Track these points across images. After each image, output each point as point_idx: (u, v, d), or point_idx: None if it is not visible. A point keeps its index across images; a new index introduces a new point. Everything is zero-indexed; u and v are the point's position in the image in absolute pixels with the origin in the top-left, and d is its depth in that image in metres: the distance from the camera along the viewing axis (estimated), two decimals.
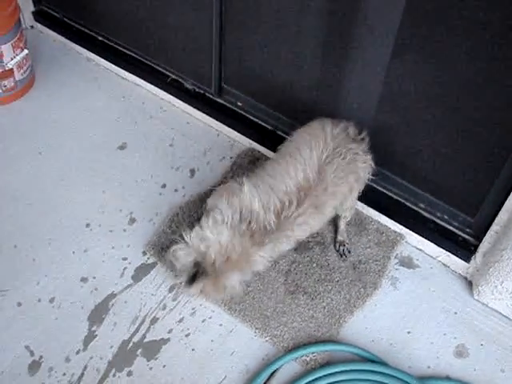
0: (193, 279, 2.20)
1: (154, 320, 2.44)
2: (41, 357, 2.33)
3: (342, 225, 2.63)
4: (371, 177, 2.46)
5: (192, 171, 2.92)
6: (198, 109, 3.12)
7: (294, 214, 2.21)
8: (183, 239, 2.23)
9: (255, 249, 2.21)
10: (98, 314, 2.45)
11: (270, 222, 2.19)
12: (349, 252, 2.65)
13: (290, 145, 2.39)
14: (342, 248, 2.65)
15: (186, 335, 2.41)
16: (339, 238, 2.65)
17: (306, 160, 2.26)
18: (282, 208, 2.21)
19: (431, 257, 2.67)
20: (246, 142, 3.02)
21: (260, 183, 2.26)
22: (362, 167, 2.36)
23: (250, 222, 2.19)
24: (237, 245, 2.18)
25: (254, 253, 2.21)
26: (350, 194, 2.38)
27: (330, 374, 2.29)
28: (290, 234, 2.25)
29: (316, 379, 2.28)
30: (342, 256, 2.64)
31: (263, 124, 2.98)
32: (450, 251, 2.60)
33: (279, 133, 2.93)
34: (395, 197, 2.71)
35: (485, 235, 2.46)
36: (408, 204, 2.69)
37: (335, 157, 2.28)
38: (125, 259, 2.61)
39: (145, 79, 3.26)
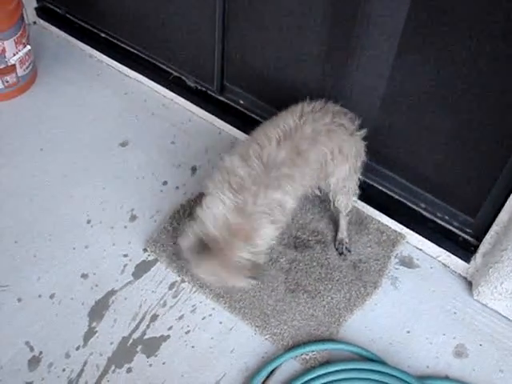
0: (200, 259, 2.13)
1: (154, 317, 2.45)
2: (41, 352, 2.34)
3: (343, 221, 2.63)
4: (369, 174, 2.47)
5: (193, 169, 2.93)
6: (200, 106, 3.13)
7: (275, 154, 2.14)
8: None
9: (251, 201, 2.09)
10: (98, 311, 2.45)
11: (253, 166, 2.11)
12: (348, 251, 2.65)
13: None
14: (341, 246, 2.65)
15: (186, 332, 2.42)
16: (339, 235, 2.65)
17: (285, 119, 2.23)
18: (262, 149, 2.14)
19: (431, 257, 2.67)
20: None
21: (239, 148, 2.23)
22: (346, 139, 2.30)
23: (236, 182, 2.11)
24: (233, 209, 2.09)
25: (252, 210, 2.09)
26: (332, 164, 2.29)
27: (330, 373, 2.29)
28: (277, 174, 2.13)
29: (315, 377, 2.28)
30: (341, 254, 2.64)
31: None
32: (450, 251, 2.60)
33: None
34: (396, 196, 2.72)
35: (485, 236, 2.46)
36: (409, 204, 2.69)
37: (315, 120, 2.25)
38: (125, 256, 2.61)
39: (147, 76, 3.26)
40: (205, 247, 2.09)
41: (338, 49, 2.53)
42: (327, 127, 2.26)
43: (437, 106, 2.40)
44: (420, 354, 2.41)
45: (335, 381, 2.28)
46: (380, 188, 2.74)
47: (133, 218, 2.73)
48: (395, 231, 2.72)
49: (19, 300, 2.47)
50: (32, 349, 2.35)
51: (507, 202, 2.32)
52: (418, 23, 2.25)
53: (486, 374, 2.38)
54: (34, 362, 2.31)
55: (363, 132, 2.40)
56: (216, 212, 2.10)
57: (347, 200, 2.52)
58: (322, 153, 2.24)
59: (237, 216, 2.09)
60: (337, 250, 2.66)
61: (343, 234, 2.65)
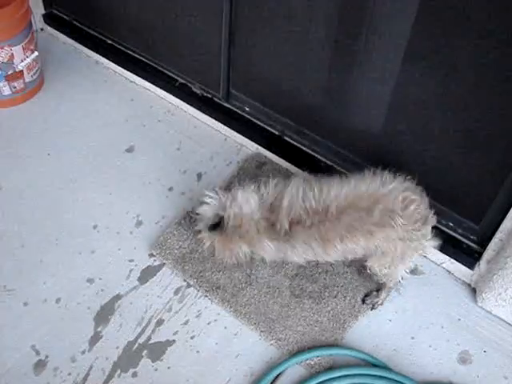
0: (212, 228, 2.33)
1: (160, 322, 2.46)
2: (46, 356, 2.35)
3: (384, 290, 2.53)
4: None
5: (199, 175, 2.94)
6: (206, 113, 3.15)
7: (302, 232, 2.24)
8: (216, 193, 2.39)
9: (265, 236, 2.30)
10: (103, 315, 2.46)
11: (282, 224, 2.25)
12: (373, 307, 2.55)
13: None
14: (370, 301, 2.56)
15: (191, 337, 2.43)
16: (377, 294, 2.55)
17: (349, 189, 2.23)
18: (297, 222, 2.24)
19: (435, 263, 2.68)
20: (252, 147, 3.04)
21: (302, 189, 2.28)
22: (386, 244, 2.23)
23: (271, 214, 2.28)
24: (253, 221, 2.29)
25: (263, 238, 2.30)
26: (377, 253, 2.27)
27: (334, 378, 2.30)
28: (294, 244, 2.28)
29: (320, 383, 2.29)
30: (364, 302, 2.56)
31: (270, 129, 3.00)
32: (454, 258, 2.61)
33: (286, 138, 2.95)
34: None
35: (489, 242, 2.47)
36: None
37: (368, 211, 2.19)
38: (131, 261, 2.63)
39: (153, 83, 3.29)
40: (220, 223, 2.32)
41: (343, 56, 2.55)
42: (368, 228, 2.18)
43: (442, 113, 2.41)
44: (424, 360, 2.42)
45: None
46: None
47: (138, 223, 2.75)
48: None
49: (25, 304, 2.48)
50: (38, 353, 2.36)
51: (511, 209, 2.33)
52: (424, 31, 2.26)
53: (490, 381, 2.38)
54: (39, 366, 2.32)
55: (428, 227, 2.29)
56: (245, 207, 2.30)
57: (389, 281, 2.48)
58: (350, 249, 2.27)
59: (253, 229, 2.30)
60: (363, 301, 2.56)
61: (380, 296, 2.55)
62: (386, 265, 2.32)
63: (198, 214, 2.46)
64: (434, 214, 2.33)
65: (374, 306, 2.54)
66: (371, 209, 2.17)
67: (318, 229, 2.21)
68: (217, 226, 2.33)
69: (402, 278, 2.44)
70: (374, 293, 2.55)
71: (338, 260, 2.42)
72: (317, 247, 2.26)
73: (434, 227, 2.34)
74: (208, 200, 2.39)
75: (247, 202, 2.31)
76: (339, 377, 2.30)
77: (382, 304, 2.55)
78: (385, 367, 2.36)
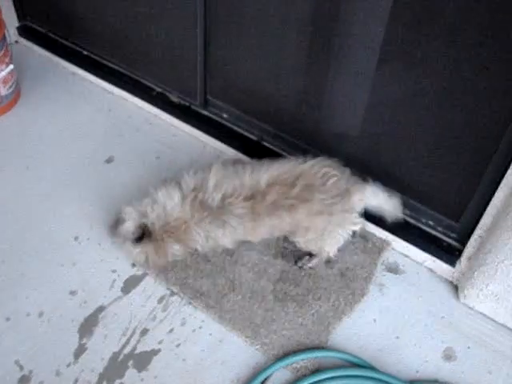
0: (139, 240, 2.36)
1: (145, 331, 2.45)
2: (31, 371, 2.33)
3: (317, 258, 2.62)
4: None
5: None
6: (184, 121, 3.15)
7: (235, 205, 2.31)
8: (132, 206, 2.46)
9: (194, 221, 2.33)
10: (87, 327, 2.45)
11: (213, 198, 2.32)
12: (301, 267, 2.63)
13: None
14: (301, 263, 2.63)
15: (177, 345, 2.42)
16: (309, 259, 2.63)
17: (268, 169, 2.36)
18: (230, 195, 2.32)
19: (417, 262, 2.71)
20: (232, 153, 3.05)
21: (229, 169, 2.40)
22: (307, 215, 2.36)
23: (198, 192, 2.33)
24: (179, 211, 2.33)
25: (192, 225, 2.34)
26: (294, 233, 2.43)
27: (321, 381, 2.30)
28: (226, 219, 2.33)
29: None
30: (296, 263, 2.64)
31: (249, 135, 3.01)
32: (435, 256, 2.63)
33: (265, 143, 2.97)
34: None
35: (469, 239, 2.50)
36: None
37: (281, 193, 2.33)
38: (114, 271, 2.62)
39: (130, 93, 3.29)
40: (144, 232, 2.37)
41: (318, 60, 2.57)
42: (290, 202, 2.32)
43: (419, 113, 2.44)
44: (409, 358, 2.43)
45: None
46: None
47: None
48: (380, 238, 2.75)
49: (7, 319, 2.46)
50: (22, 368, 2.33)
51: (489, 205, 2.35)
52: (398, 33, 2.29)
53: (475, 376, 2.40)
54: (24, 381, 2.30)
55: (348, 199, 2.39)
56: (167, 204, 2.36)
57: (321, 253, 2.57)
58: (276, 225, 2.38)
59: (179, 218, 2.36)
60: (295, 263, 2.64)
61: (312, 261, 2.64)
62: (311, 241, 2.44)
63: (121, 234, 2.48)
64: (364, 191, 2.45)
65: (303, 267, 2.61)
66: (294, 184, 2.32)
67: (249, 202, 2.31)
68: (142, 236, 2.37)
69: (333, 254, 2.57)
70: (307, 257, 2.62)
71: (265, 238, 2.51)
72: (248, 221, 2.33)
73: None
74: (126, 216, 2.43)
75: (170, 197, 2.37)
76: (325, 379, 2.30)
77: (312, 268, 2.62)
78: (370, 368, 2.37)
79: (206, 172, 2.42)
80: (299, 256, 2.64)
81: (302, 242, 2.48)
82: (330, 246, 2.51)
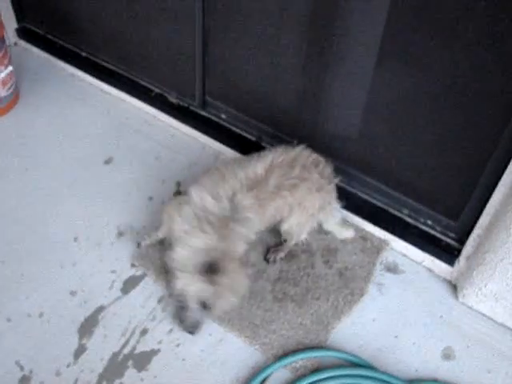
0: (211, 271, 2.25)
1: (144, 331, 2.45)
2: (31, 371, 2.33)
3: (286, 246, 2.67)
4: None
5: (178, 184, 2.95)
6: (183, 122, 3.16)
7: (243, 199, 2.33)
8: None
9: (227, 235, 2.30)
10: (87, 327, 2.45)
11: (224, 207, 2.31)
12: (274, 261, 2.67)
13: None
14: (272, 257, 2.66)
15: (176, 345, 2.42)
16: (277, 250, 2.68)
17: (255, 167, 2.40)
18: (234, 194, 2.33)
19: (416, 262, 2.71)
20: (230, 154, 3.05)
21: (209, 179, 2.40)
22: (309, 194, 2.44)
23: (208, 218, 2.30)
24: (211, 240, 2.27)
25: (230, 238, 2.30)
26: (288, 215, 2.46)
27: (320, 380, 2.31)
28: (243, 216, 2.33)
29: None
30: (267, 261, 2.67)
31: (247, 135, 3.02)
32: (434, 256, 2.64)
33: (263, 144, 2.97)
34: (379, 204, 2.76)
35: (468, 239, 2.51)
36: (392, 210, 2.74)
37: (281, 175, 2.40)
38: (113, 272, 2.62)
39: (129, 94, 3.29)
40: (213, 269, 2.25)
41: (316, 61, 2.58)
42: (291, 182, 2.40)
43: (417, 113, 2.45)
44: (408, 358, 2.44)
45: None
46: (363, 196, 2.78)
47: (119, 234, 2.75)
48: (379, 238, 2.76)
49: (8, 320, 2.46)
50: (22, 368, 2.34)
51: (488, 204, 2.36)
52: (396, 32, 2.30)
53: (474, 375, 2.41)
54: (24, 381, 2.30)
55: (334, 184, 2.54)
56: (194, 245, 2.29)
57: (297, 237, 2.61)
58: (280, 206, 2.41)
59: (219, 244, 2.29)
60: (267, 260, 2.68)
61: (281, 252, 2.68)
62: (300, 224, 2.51)
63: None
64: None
65: (275, 260, 2.65)
66: (292, 165, 2.42)
67: (253, 192, 2.34)
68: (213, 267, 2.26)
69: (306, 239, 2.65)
70: (272, 249, 2.67)
71: (270, 224, 2.51)
72: (257, 208, 2.35)
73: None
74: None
75: (183, 246, 2.31)
76: (325, 378, 2.31)
77: (282, 257, 2.67)
78: (370, 367, 2.37)
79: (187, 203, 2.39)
80: (267, 251, 2.69)
81: (295, 224, 2.50)
82: (307, 229, 2.59)
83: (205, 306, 2.30)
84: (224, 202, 2.32)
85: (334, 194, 2.57)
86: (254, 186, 2.36)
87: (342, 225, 2.71)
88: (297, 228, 2.53)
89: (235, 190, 2.34)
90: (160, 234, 2.60)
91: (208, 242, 2.26)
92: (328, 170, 2.53)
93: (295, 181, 2.41)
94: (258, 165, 2.40)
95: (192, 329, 2.38)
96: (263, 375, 2.34)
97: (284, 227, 2.53)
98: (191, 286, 2.27)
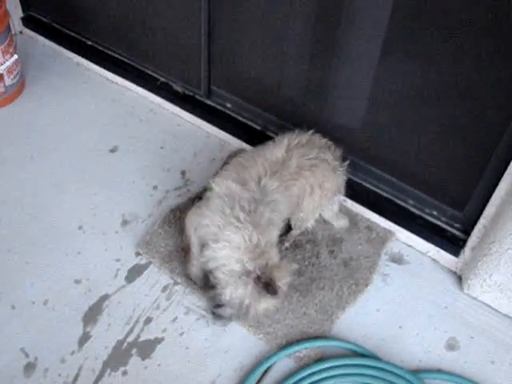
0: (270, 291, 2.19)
1: (148, 320, 2.46)
2: (36, 358, 2.34)
3: (291, 236, 2.66)
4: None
5: (183, 173, 2.95)
6: (188, 111, 3.15)
7: (269, 184, 2.31)
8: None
9: (260, 221, 2.24)
10: (92, 315, 2.46)
11: (253, 190, 2.28)
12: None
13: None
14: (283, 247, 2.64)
15: (180, 334, 2.43)
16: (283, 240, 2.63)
17: (273, 151, 2.40)
18: (259, 177, 2.31)
19: (421, 252, 2.71)
20: (235, 143, 3.05)
21: (228, 171, 2.38)
22: (328, 175, 2.44)
23: (239, 202, 2.25)
24: (247, 233, 2.20)
25: (263, 225, 2.24)
26: (308, 198, 2.44)
27: (323, 369, 2.31)
28: (272, 200, 2.30)
29: (309, 375, 2.30)
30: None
31: (252, 125, 3.01)
32: (439, 246, 2.63)
33: (268, 133, 2.96)
34: (384, 194, 2.75)
35: (473, 229, 2.50)
36: (397, 201, 2.73)
37: (301, 155, 2.41)
38: (118, 260, 2.63)
39: (134, 83, 3.29)
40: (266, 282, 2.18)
41: (322, 50, 2.57)
42: (311, 162, 2.40)
43: (423, 103, 2.44)
44: (412, 348, 2.44)
45: (329, 377, 2.30)
46: (368, 186, 2.78)
47: (124, 222, 2.75)
48: (384, 228, 2.75)
49: (13, 307, 2.47)
50: (27, 355, 2.35)
51: (493, 195, 2.35)
52: (402, 22, 2.28)
53: (478, 366, 2.40)
54: (29, 368, 2.32)
55: (345, 167, 2.53)
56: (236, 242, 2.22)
57: (305, 223, 2.60)
58: (302, 187, 2.40)
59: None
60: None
61: (289, 239, 2.68)
62: (317, 205, 2.50)
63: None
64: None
65: (280, 250, 2.55)
66: (310, 146, 2.44)
67: (276, 174, 2.33)
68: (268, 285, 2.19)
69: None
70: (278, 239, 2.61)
71: (291, 212, 2.48)
72: (282, 192, 2.33)
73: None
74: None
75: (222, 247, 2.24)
76: (328, 368, 2.31)
77: (288, 247, 2.67)
78: (373, 357, 2.37)
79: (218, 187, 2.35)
80: None
81: (311, 208, 2.49)
82: (314, 217, 2.59)
83: (246, 308, 2.26)
84: (251, 185, 2.29)
85: (344, 178, 2.56)
86: (277, 169, 2.34)
87: (339, 214, 2.70)
88: (311, 212, 2.51)
89: (260, 174, 2.32)
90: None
91: (245, 236, 2.19)
92: (338, 153, 2.53)
93: (315, 161, 2.41)
94: (276, 149, 2.40)
95: (223, 325, 2.39)
96: (267, 364, 2.34)
97: (300, 215, 2.51)
98: (238, 290, 2.23)
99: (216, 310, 2.34)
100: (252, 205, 2.25)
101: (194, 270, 2.47)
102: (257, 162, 2.36)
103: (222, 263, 2.24)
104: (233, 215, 2.22)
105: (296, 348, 2.38)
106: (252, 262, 2.19)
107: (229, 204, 2.25)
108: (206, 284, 2.41)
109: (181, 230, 2.57)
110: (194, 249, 2.41)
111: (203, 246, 2.33)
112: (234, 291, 2.24)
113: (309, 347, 2.39)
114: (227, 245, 2.22)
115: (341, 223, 2.73)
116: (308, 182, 2.40)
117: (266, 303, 2.26)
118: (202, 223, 2.30)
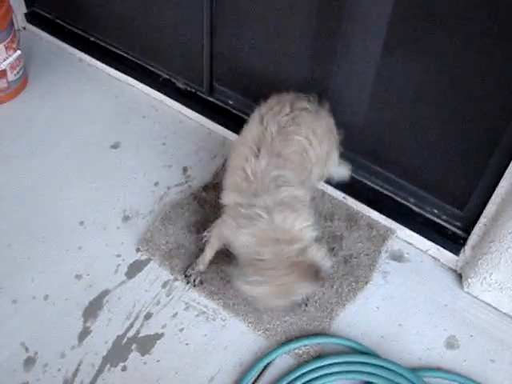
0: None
1: (148, 315, 2.47)
2: (36, 353, 2.35)
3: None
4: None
5: (184, 169, 2.95)
6: (190, 107, 3.15)
7: (259, 166, 2.16)
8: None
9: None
10: (92, 311, 2.47)
11: (255, 187, 2.13)
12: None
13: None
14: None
15: (180, 330, 2.44)
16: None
17: (251, 130, 2.30)
18: (249, 168, 2.17)
19: (421, 250, 2.71)
20: None
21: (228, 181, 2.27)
22: (314, 120, 2.32)
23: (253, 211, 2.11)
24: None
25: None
26: (312, 149, 2.29)
27: (323, 366, 2.31)
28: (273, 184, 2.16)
29: (309, 371, 2.30)
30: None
31: None
32: (439, 244, 2.63)
33: None
34: (385, 192, 2.75)
35: (473, 228, 2.50)
36: (398, 199, 2.72)
37: (275, 116, 2.28)
38: (118, 256, 2.63)
39: (137, 79, 3.29)
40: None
41: (324, 46, 2.56)
42: (290, 116, 2.27)
43: (424, 101, 2.43)
44: (412, 346, 2.44)
45: (328, 374, 2.31)
46: (369, 184, 2.77)
47: (125, 218, 2.76)
48: (385, 226, 2.75)
49: (14, 302, 2.48)
50: (27, 349, 2.36)
51: (494, 193, 2.35)
52: (404, 19, 2.28)
53: (478, 365, 2.40)
54: (29, 363, 2.33)
55: (327, 107, 2.41)
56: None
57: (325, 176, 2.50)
58: (299, 144, 2.24)
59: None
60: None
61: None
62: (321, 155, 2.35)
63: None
64: None
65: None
66: (281, 105, 2.31)
67: (264, 151, 2.19)
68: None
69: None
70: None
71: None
72: (283, 164, 2.20)
73: None
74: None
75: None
76: (327, 365, 2.32)
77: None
78: (373, 354, 2.37)
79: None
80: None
81: (319, 157, 2.36)
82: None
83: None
84: (252, 183, 2.15)
85: (332, 120, 2.43)
86: (262, 145, 2.20)
87: (339, 160, 2.52)
88: (321, 163, 2.38)
89: (249, 163, 2.18)
90: (206, 261, 2.51)
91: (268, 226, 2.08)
92: (313, 98, 2.40)
93: (294, 113, 2.28)
94: (252, 126, 2.31)
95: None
96: (266, 361, 2.35)
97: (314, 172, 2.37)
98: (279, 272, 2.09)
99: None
100: (266, 199, 2.10)
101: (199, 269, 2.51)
102: (243, 153, 2.21)
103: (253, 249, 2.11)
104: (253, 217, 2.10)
105: (295, 345, 2.38)
106: (287, 245, 2.06)
107: (246, 215, 2.12)
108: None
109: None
110: (210, 251, 2.43)
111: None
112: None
113: (308, 344, 2.39)
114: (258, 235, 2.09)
115: (343, 171, 2.58)
116: (300, 136, 2.25)
117: (306, 287, 2.13)
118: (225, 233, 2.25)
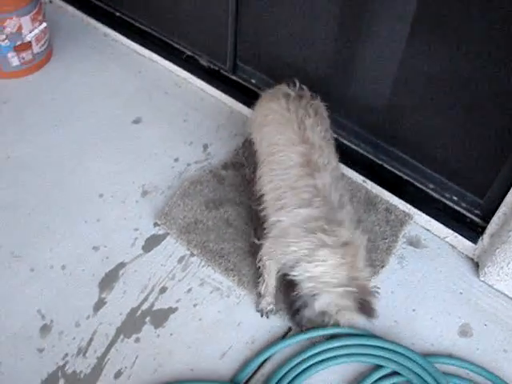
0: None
1: (163, 289, 2.49)
2: (51, 321, 2.38)
3: None
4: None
5: (205, 146, 2.96)
6: (213, 85, 3.15)
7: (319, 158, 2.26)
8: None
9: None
10: (108, 282, 2.49)
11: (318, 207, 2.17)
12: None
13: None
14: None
15: (194, 305, 2.45)
16: None
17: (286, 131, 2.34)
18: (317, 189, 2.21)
19: (439, 237, 2.69)
20: None
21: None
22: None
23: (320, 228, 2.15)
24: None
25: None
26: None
27: (334, 348, 2.31)
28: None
29: (321, 352, 2.30)
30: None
31: None
32: (457, 232, 2.62)
33: None
34: (405, 177, 2.73)
35: (493, 216, 2.48)
36: (417, 184, 2.71)
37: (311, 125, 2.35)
38: (136, 230, 2.65)
39: (161, 55, 3.30)
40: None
41: (349, 28, 2.55)
42: (323, 131, 2.37)
43: (447, 86, 2.41)
44: (425, 332, 2.43)
45: (339, 356, 2.31)
46: (389, 168, 2.76)
47: (144, 193, 2.77)
48: (403, 211, 2.73)
49: (32, 270, 2.52)
50: (43, 317, 2.39)
51: None
52: (432, 3, 2.25)
53: (490, 354, 2.39)
54: (45, 330, 2.36)
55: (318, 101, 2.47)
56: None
57: None
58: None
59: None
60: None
61: None
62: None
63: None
64: None
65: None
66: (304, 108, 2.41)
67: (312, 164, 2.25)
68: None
69: None
70: None
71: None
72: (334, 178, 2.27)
73: None
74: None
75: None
76: (339, 346, 2.31)
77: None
78: (383, 338, 2.36)
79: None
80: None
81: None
82: None
83: (330, 317, 2.23)
84: (315, 202, 2.19)
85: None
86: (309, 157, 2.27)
87: None
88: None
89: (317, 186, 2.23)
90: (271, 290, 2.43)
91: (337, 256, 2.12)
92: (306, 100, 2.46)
93: (327, 133, 2.38)
94: (288, 128, 2.35)
95: (301, 326, 2.34)
96: (283, 345, 2.34)
97: None
98: (337, 300, 2.15)
99: (298, 314, 2.28)
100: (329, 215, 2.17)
101: (267, 301, 2.44)
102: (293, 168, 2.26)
103: (317, 276, 2.14)
104: (318, 238, 2.13)
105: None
106: (351, 279, 2.12)
107: (309, 229, 2.15)
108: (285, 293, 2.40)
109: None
110: (270, 280, 2.38)
111: (290, 267, 2.22)
112: (330, 300, 2.15)
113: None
114: (323, 263, 2.12)
115: None
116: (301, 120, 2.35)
117: (352, 316, 2.19)
118: (288, 251, 2.21)
